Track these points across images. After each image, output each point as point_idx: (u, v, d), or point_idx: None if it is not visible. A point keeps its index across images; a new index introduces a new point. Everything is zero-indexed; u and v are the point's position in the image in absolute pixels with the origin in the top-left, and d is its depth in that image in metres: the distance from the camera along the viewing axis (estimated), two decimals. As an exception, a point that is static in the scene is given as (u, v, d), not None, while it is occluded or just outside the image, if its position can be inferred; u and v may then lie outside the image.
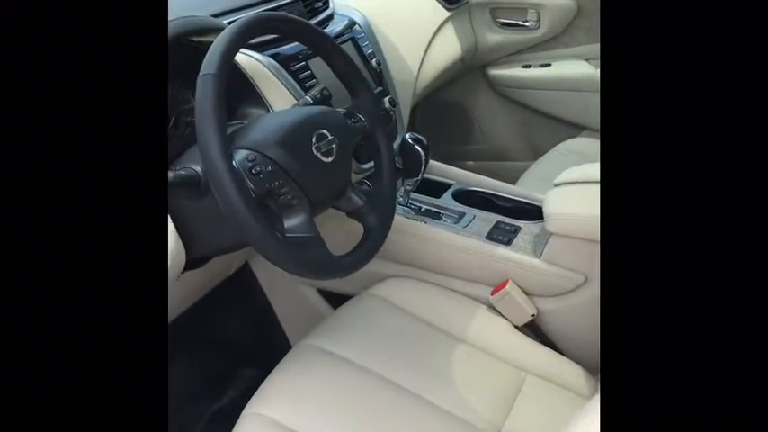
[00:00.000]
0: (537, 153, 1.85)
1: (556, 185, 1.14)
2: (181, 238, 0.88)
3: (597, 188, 1.09)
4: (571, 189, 1.10)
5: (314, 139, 0.85)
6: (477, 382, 1.00)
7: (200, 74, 0.76)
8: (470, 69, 1.96)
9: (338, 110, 0.97)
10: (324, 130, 0.87)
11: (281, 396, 0.93)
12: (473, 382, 0.99)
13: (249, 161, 0.80)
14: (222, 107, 0.75)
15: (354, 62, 0.98)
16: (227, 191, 0.73)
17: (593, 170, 1.13)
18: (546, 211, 1.09)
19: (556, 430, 0.84)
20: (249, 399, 0.95)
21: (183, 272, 0.94)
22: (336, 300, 1.28)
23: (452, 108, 2.06)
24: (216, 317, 1.38)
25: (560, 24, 1.84)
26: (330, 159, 0.87)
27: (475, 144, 2.09)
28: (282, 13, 1.02)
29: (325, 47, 0.95)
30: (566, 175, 1.13)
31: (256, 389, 0.97)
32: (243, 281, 1.36)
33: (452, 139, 2.13)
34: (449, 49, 1.75)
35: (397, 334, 1.06)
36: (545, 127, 1.97)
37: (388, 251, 1.19)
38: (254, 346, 1.44)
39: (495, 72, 1.97)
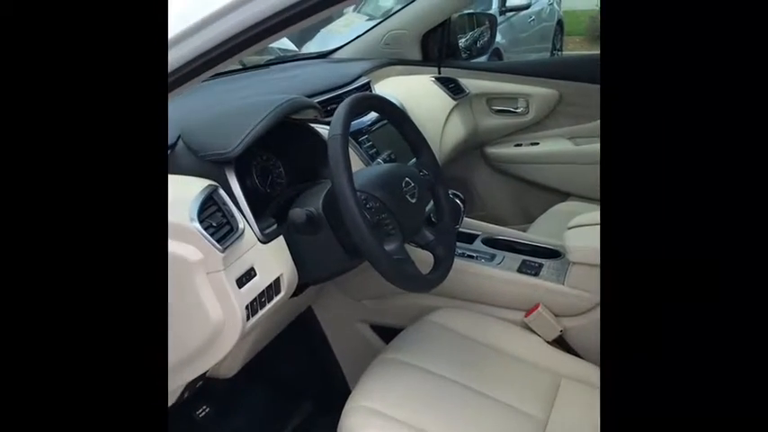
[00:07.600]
0: (528, 218, 2.15)
1: (570, 228, 1.43)
2: (296, 266, 1.13)
3: (604, 227, 1.39)
4: (584, 229, 1.40)
5: (403, 185, 1.13)
6: (523, 382, 1.23)
7: (330, 135, 1.01)
8: (471, 149, 2.29)
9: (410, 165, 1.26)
10: (408, 179, 1.15)
11: (374, 392, 1.15)
12: (521, 383, 1.23)
13: (363, 199, 1.07)
14: (348, 158, 1.02)
15: (419, 129, 1.26)
16: (357, 220, 0.97)
17: (597, 215, 1.43)
18: (568, 245, 1.37)
19: (588, 416, 1.12)
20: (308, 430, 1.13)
21: (291, 296, 1.17)
22: (387, 334, 1.50)
23: (455, 182, 2.36)
24: (280, 357, 1.58)
25: (546, 110, 2.20)
26: (414, 200, 1.14)
27: (475, 213, 2.38)
28: (375, 93, 1.32)
29: (400, 118, 1.23)
30: (577, 220, 1.43)
31: (314, 421, 1.14)
32: (305, 323, 1.57)
33: None
34: (456, 131, 2.06)
35: (455, 349, 1.30)
36: (535, 195, 2.28)
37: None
38: (314, 382, 1.64)
39: (491, 150, 2.30)
